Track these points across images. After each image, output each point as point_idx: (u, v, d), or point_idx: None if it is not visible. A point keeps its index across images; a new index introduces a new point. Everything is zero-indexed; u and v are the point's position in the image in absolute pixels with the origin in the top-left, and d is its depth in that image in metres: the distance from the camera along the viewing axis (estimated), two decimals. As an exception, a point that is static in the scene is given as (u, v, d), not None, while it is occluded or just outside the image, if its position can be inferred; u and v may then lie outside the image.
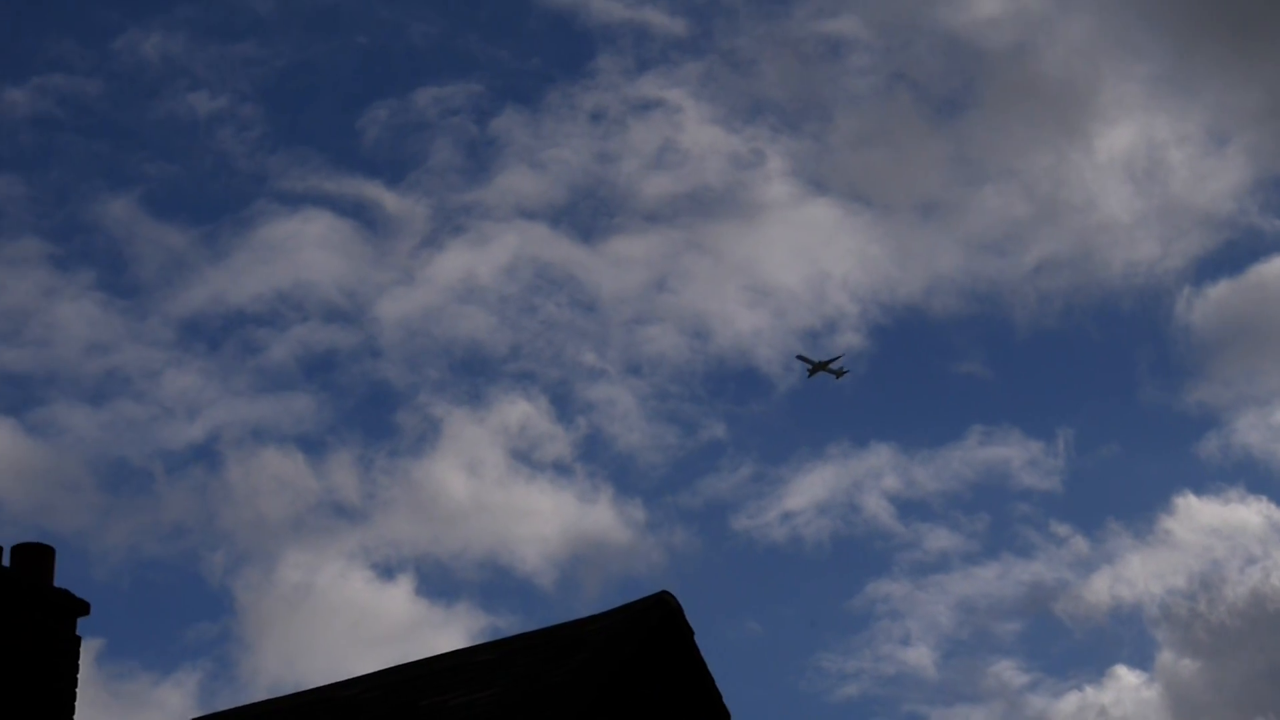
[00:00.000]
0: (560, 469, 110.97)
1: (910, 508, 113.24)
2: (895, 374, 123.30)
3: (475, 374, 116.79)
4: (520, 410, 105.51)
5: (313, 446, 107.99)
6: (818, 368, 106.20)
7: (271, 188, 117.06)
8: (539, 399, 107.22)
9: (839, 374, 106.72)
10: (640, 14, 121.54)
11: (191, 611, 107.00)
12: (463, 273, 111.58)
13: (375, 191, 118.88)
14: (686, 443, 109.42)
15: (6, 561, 18.65)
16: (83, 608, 18.79)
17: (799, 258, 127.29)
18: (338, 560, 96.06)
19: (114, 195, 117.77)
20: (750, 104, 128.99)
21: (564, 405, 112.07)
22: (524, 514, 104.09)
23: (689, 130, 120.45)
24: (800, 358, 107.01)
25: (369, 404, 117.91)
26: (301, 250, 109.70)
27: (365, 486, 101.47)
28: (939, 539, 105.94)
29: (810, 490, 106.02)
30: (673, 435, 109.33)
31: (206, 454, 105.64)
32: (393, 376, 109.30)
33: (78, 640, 18.57)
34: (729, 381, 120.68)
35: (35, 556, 18.79)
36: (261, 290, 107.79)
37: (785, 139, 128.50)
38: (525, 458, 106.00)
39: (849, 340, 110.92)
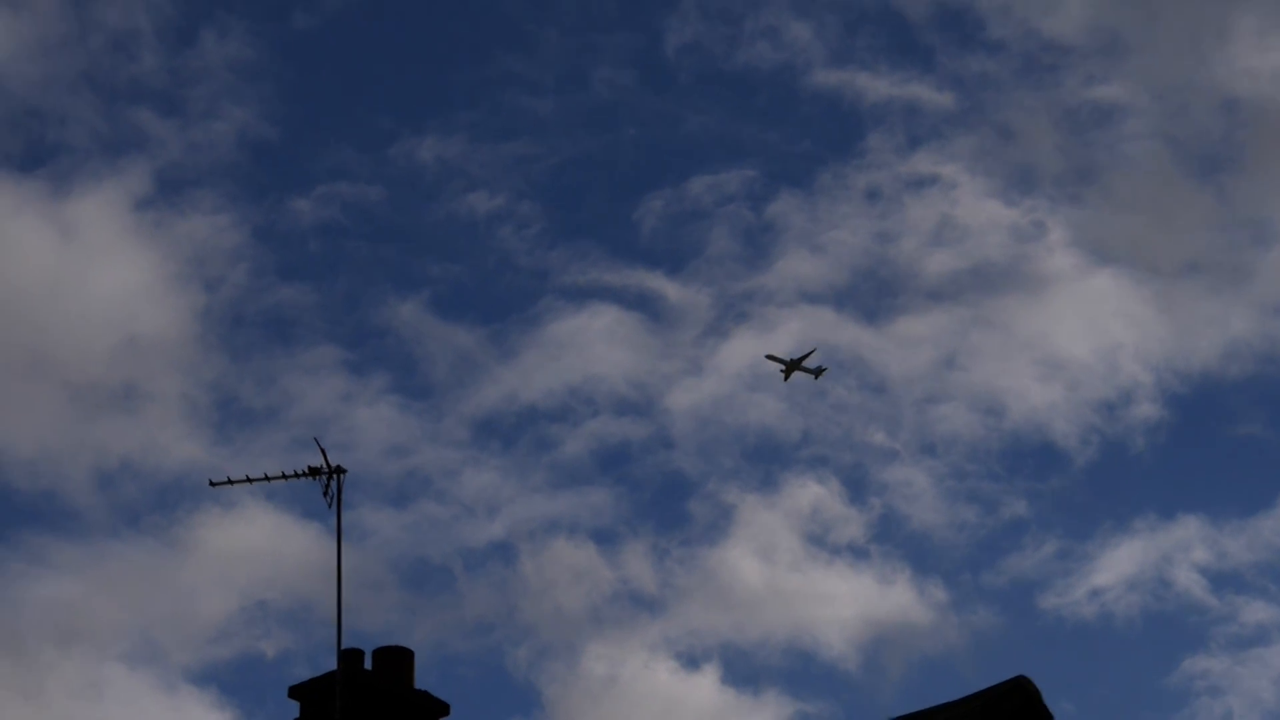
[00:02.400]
0: (856, 551, 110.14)
1: (1223, 580, 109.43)
2: (1196, 443, 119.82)
3: (767, 460, 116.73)
4: (813, 494, 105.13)
5: (605, 538, 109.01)
6: (791, 368, 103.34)
7: (554, 283, 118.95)
8: (831, 482, 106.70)
9: (817, 373, 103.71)
10: (908, 90, 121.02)
11: (500, 707, 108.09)
12: (749, 359, 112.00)
13: (657, 282, 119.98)
14: (987, 521, 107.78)
15: (368, 665, 19.11)
16: (443, 709, 19.17)
17: (1089, 328, 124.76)
18: (640, 651, 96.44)
19: (402, 299, 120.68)
20: (1026, 175, 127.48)
21: (857, 487, 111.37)
22: (822, 597, 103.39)
23: (966, 205, 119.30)
24: (770, 358, 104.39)
25: (661, 494, 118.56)
26: (589, 345, 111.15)
27: (660, 576, 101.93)
28: (1256, 611, 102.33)
29: (1118, 565, 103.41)
30: (971, 514, 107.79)
31: (504, 549, 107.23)
32: (686, 466, 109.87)
33: (439, 741, 18.99)
34: (1026, 457, 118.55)
35: (395, 659, 19.28)
36: (553, 386, 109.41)
37: (1065, 209, 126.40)
38: (820, 541, 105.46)
39: (1147, 411, 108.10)
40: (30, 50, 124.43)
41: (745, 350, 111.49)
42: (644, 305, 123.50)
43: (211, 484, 19.44)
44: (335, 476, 18.71)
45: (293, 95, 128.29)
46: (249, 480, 19.07)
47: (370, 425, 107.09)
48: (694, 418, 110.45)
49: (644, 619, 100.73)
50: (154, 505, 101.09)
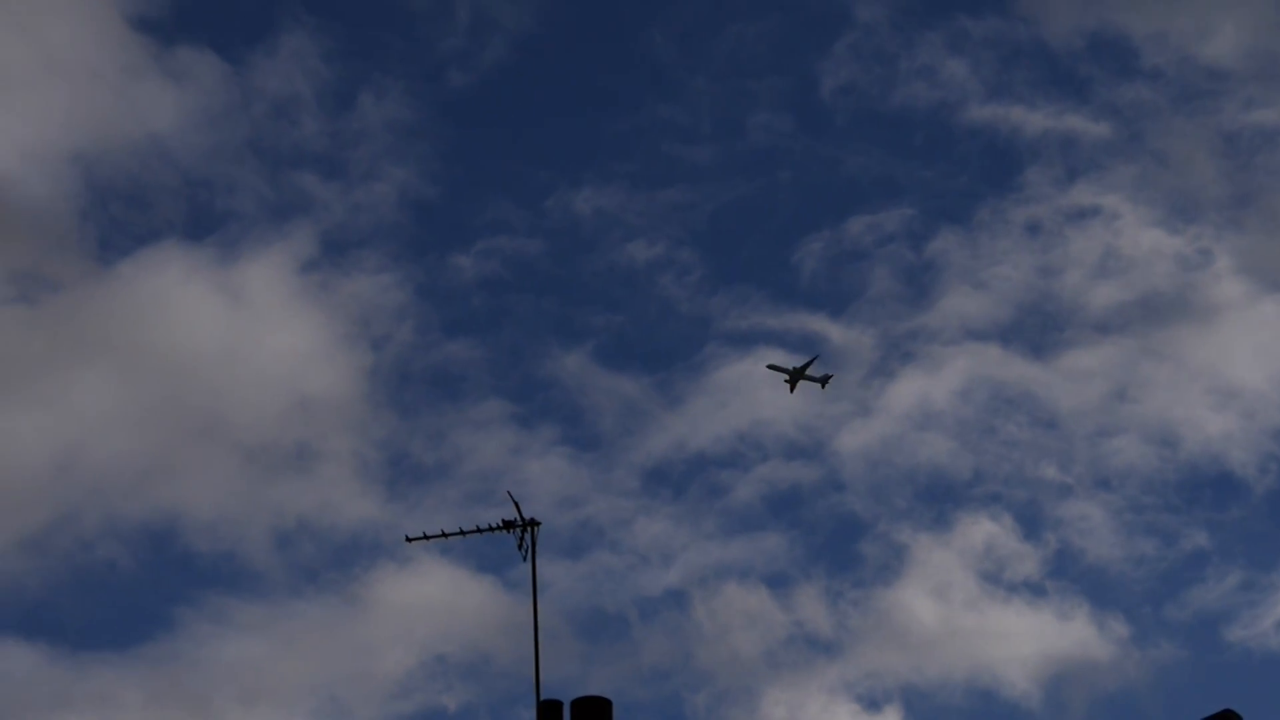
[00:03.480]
0: (1032, 588, 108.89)
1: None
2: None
3: (939, 499, 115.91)
4: (986, 531, 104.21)
5: (777, 581, 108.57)
6: (796, 377, 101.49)
7: (717, 329, 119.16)
8: (1004, 518, 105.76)
9: (824, 381, 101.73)
10: (1063, 122, 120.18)
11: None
12: (917, 399, 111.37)
13: (819, 324, 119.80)
14: (1166, 553, 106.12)
15: (567, 716, 19.25)
16: (644, 756, 19.25)
17: (1261, 355, 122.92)
18: (820, 694, 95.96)
19: (566, 350, 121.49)
20: (1187, 202, 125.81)
21: (1031, 523, 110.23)
22: (999, 635, 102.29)
23: (1129, 235, 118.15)
24: (772, 367, 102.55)
25: (833, 536, 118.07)
26: (755, 389, 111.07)
27: (835, 618, 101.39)
28: None
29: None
30: (1150, 546, 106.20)
31: (677, 596, 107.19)
32: (857, 507, 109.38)
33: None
34: (1204, 488, 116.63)
35: (595, 709, 19.39)
36: (721, 432, 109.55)
37: (1229, 235, 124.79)
38: (995, 579, 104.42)
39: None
40: (195, 121, 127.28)
41: (913, 389, 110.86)
42: (808, 348, 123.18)
43: (408, 539, 19.75)
44: (529, 529, 18.93)
45: (451, 153, 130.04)
46: (444, 535, 19.36)
47: (541, 477, 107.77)
48: (864, 459, 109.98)
49: (821, 662, 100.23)
50: (331, 563, 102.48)
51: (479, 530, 19.40)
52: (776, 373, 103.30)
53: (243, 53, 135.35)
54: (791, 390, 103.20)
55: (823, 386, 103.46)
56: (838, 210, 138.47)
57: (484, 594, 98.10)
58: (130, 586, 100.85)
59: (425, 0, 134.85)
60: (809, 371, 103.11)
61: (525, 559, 19.26)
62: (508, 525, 19.29)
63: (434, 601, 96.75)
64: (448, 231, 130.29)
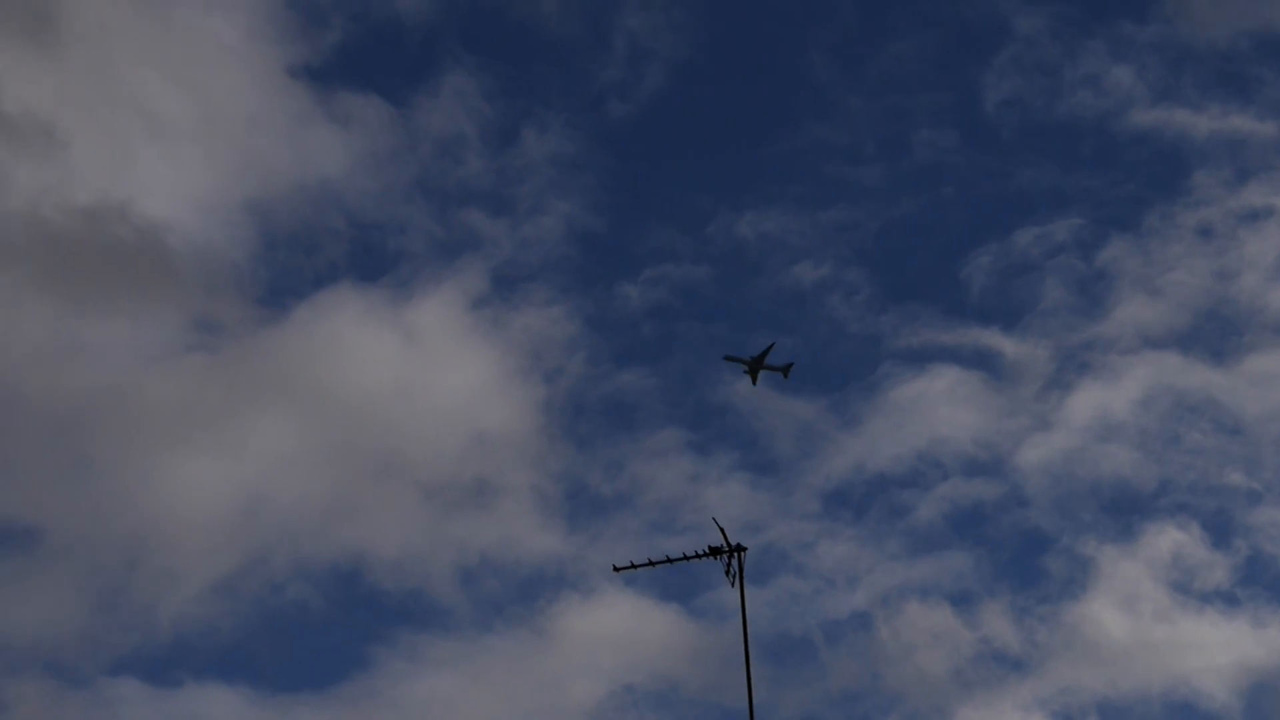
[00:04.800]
0: (1224, 596, 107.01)
1: None
2: None
3: (1125, 510, 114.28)
4: (1173, 541, 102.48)
5: (960, 599, 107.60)
6: (756, 367, 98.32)
7: (890, 348, 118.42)
8: (1191, 527, 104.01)
9: (785, 371, 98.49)
10: (1229, 123, 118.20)
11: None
12: (1097, 410, 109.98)
13: (993, 339, 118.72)
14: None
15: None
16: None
17: None
18: (1013, 712, 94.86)
19: (738, 376, 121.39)
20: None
21: (1220, 531, 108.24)
22: (1193, 646, 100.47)
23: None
24: (729, 359, 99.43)
25: (1018, 552, 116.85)
26: (932, 407, 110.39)
27: (1022, 634, 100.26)
28: None
29: None
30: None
31: (860, 618, 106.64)
32: (1041, 522, 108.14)
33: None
34: None
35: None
36: (900, 452, 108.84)
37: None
38: (1185, 589, 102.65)
39: None
40: (364, 165, 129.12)
41: (1092, 401, 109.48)
42: (983, 363, 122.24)
43: (615, 569, 19.90)
44: (735, 555, 18.99)
45: (613, 183, 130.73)
46: (651, 564, 19.46)
47: (722, 504, 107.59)
48: (1046, 473, 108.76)
49: (1012, 679, 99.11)
50: (516, 597, 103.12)
51: (685, 558, 19.48)
52: (735, 364, 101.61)
53: (406, 95, 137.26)
54: (754, 382, 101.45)
55: (785, 375, 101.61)
56: (1005, 223, 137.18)
57: (669, 622, 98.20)
58: (322, 626, 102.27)
59: (582, 33, 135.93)
60: (768, 360, 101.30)
61: (733, 584, 19.32)
62: (714, 552, 19.36)
63: (619, 631, 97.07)
64: (614, 261, 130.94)
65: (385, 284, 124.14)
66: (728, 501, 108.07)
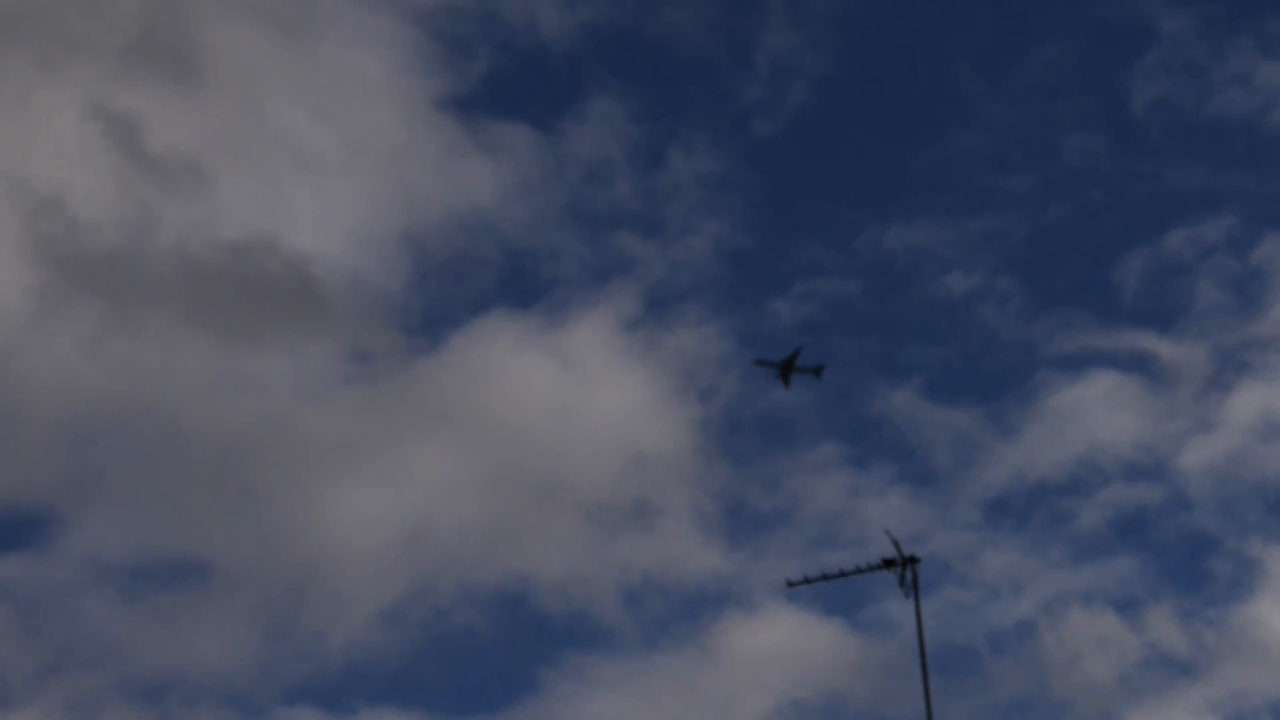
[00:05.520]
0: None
1: None
2: None
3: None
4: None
5: (1124, 605, 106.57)
6: (787, 370, 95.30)
7: (1044, 355, 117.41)
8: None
9: (817, 372, 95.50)
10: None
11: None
12: (1260, 410, 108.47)
13: (1148, 342, 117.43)
14: None
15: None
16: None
17: None
18: (1185, 717, 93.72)
19: (893, 387, 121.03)
20: None
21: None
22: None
23: None
24: (759, 363, 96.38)
25: (1183, 556, 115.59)
26: (1091, 413, 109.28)
27: (1189, 638, 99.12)
28: None
29: None
30: None
31: (1024, 626, 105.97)
32: (1207, 525, 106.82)
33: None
34: None
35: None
36: (1060, 459, 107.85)
37: None
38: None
39: None
40: (514, 192, 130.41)
41: (1254, 401, 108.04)
42: (1140, 367, 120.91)
43: (789, 584, 20.17)
44: (909, 566, 19.22)
45: (761, 201, 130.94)
46: (825, 578, 19.73)
47: (882, 517, 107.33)
48: (1209, 475, 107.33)
49: (1181, 684, 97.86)
50: (680, 616, 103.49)
51: (859, 571, 19.74)
52: (765, 368, 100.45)
53: (553, 121, 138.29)
54: (786, 386, 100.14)
55: (817, 377, 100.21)
56: (1156, 225, 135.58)
57: (832, 636, 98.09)
58: (489, 650, 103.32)
59: (724, 53, 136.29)
60: (798, 363, 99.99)
61: (907, 597, 19.54)
62: (888, 564, 19.59)
63: (784, 647, 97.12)
64: (764, 278, 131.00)
65: (539, 310, 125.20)
66: (888, 514, 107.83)
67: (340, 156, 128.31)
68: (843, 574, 20.13)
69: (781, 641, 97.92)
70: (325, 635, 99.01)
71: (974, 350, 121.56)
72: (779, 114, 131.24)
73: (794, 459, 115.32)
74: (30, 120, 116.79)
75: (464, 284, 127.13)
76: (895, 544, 19.23)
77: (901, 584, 19.43)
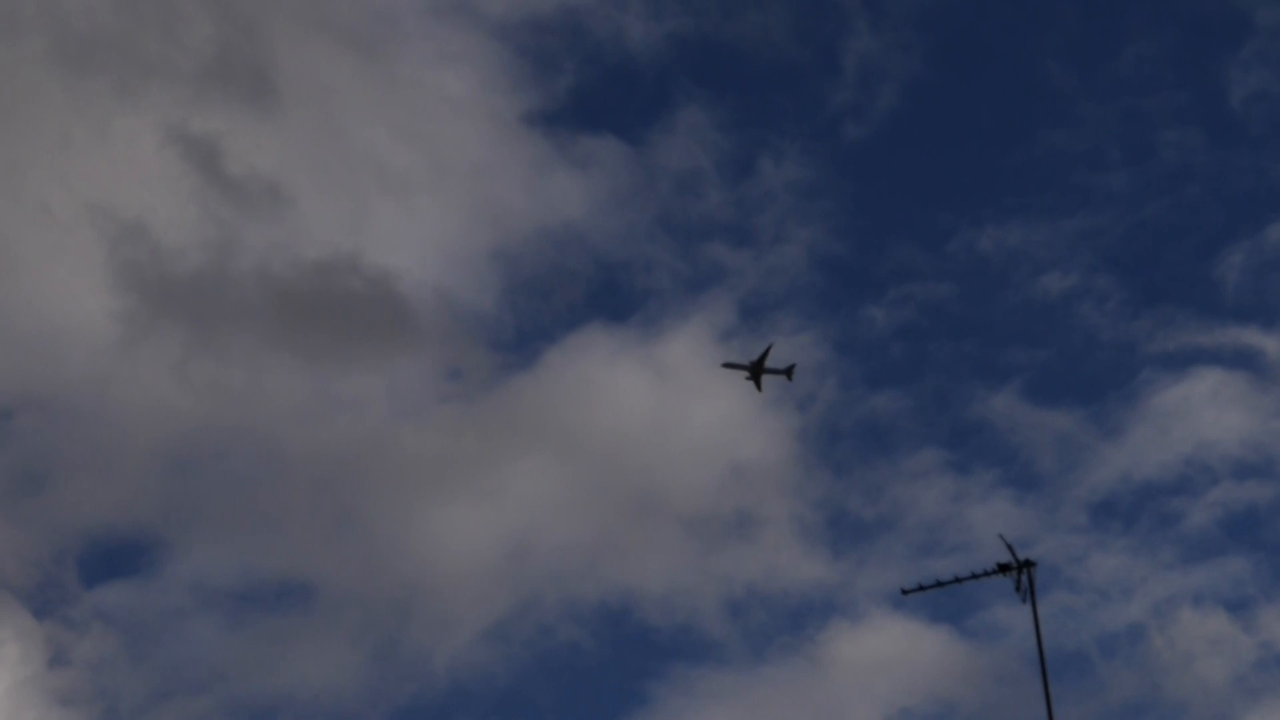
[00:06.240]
0: None
1: None
2: None
3: None
4: None
5: (1235, 605, 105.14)
6: (757, 372, 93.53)
7: (1146, 353, 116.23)
8: None
9: (789, 373, 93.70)
10: None
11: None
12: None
13: (1252, 337, 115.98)
14: None
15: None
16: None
17: None
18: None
19: (992, 391, 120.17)
20: None
21: None
22: None
23: None
24: (728, 365, 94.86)
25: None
26: (1196, 411, 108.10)
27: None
28: None
29: None
30: None
31: (1134, 629, 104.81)
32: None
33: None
34: None
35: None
36: (1166, 459, 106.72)
37: None
38: None
39: None
40: (605, 206, 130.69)
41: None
42: (1244, 363, 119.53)
43: (904, 592, 19.85)
44: (1026, 570, 18.86)
45: (853, 206, 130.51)
46: (939, 585, 19.40)
47: (987, 523, 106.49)
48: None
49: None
50: (785, 626, 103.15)
51: (974, 576, 19.40)
52: (734, 370, 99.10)
53: (641, 133, 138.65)
54: (758, 388, 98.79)
55: (789, 377, 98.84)
56: (1256, 218, 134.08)
57: (940, 643, 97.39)
58: (596, 666, 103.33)
59: (812, 58, 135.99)
60: (768, 364, 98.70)
61: (1024, 601, 19.18)
62: (1003, 569, 19.26)
63: (891, 655, 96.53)
64: (858, 284, 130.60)
65: (633, 323, 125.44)
66: (993, 519, 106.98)
67: (423, 174, 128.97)
68: (958, 580, 19.80)
69: (888, 650, 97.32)
70: (430, 654, 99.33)
71: (1074, 351, 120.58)
72: (868, 118, 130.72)
73: (894, 466, 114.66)
74: (110, 147, 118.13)
75: (556, 299, 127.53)
76: (1010, 549, 18.87)
77: (1018, 588, 19.05)
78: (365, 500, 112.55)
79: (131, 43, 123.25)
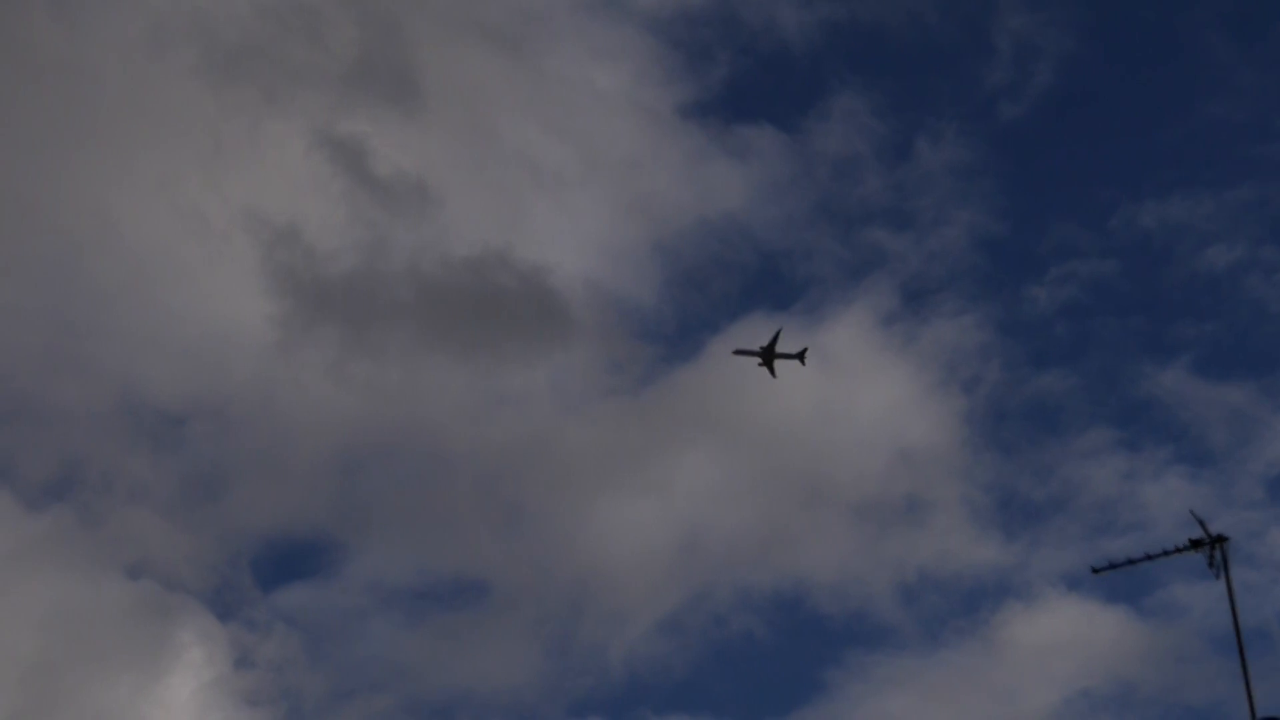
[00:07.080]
0: None
1: None
2: None
3: None
4: None
5: None
6: (768, 357, 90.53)
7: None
8: None
9: (800, 357, 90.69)
10: None
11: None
12: None
13: None
14: None
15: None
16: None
17: None
18: None
19: (1161, 367, 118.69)
20: None
21: None
22: None
23: None
24: (739, 352, 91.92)
25: None
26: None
27: None
28: None
29: None
30: None
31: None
32: None
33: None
34: None
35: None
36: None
37: None
38: None
39: None
40: (764, 194, 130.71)
41: None
42: None
43: (1094, 571, 19.85)
44: (1218, 546, 18.79)
45: (1012, 186, 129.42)
46: (1130, 562, 19.37)
47: (1162, 500, 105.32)
48: None
49: None
50: (959, 610, 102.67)
51: (1165, 553, 19.35)
52: (747, 357, 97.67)
53: (798, 121, 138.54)
54: (772, 374, 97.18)
55: (801, 362, 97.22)
56: None
57: (1117, 624, 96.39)
58: (771, 654, 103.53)
59: (965, 39, 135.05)
60: (777, 349, 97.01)
61: (1218, 576, 19.11)
62: (1195, 544, 19.20)
63: (1068, 636, 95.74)
64: (1020, 264, 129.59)
65: (796, 310, 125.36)
66: (1167, 497, 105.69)
67: (576, 169, 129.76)
68: (1148, 557, 19.77)
69: (1065, 631, 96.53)
70: (605, 647, 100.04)
71: (1243, 324, 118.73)
72: (1024, 97, 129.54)
73: (1064, 446, 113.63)
74: (260, 153, 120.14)
75: (717, 289, 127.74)
76: (1202, 524, 18.82)
77: (1211, 564, 18.98)
78: (533, 496, 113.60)
79: (277, 50, 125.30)
